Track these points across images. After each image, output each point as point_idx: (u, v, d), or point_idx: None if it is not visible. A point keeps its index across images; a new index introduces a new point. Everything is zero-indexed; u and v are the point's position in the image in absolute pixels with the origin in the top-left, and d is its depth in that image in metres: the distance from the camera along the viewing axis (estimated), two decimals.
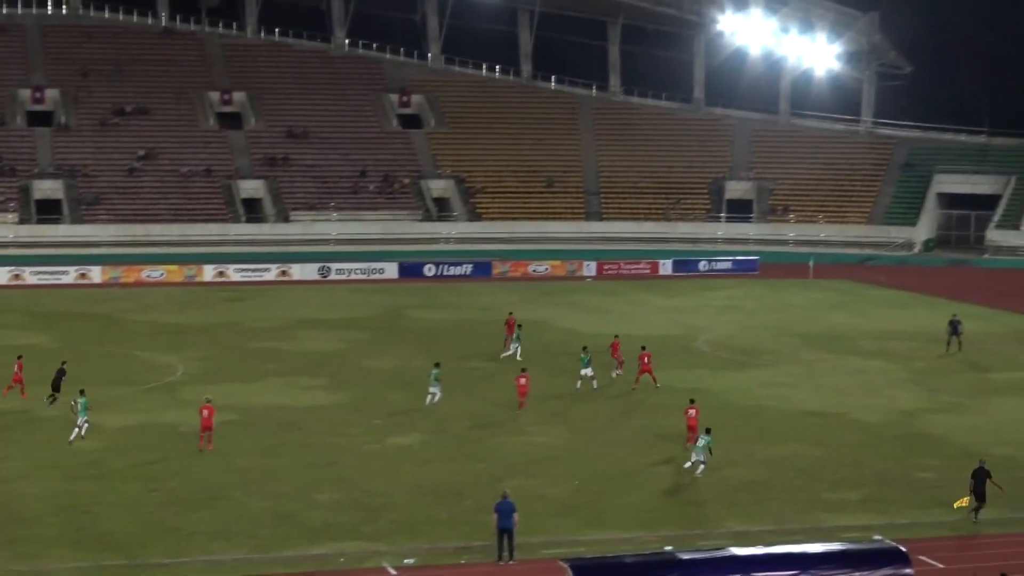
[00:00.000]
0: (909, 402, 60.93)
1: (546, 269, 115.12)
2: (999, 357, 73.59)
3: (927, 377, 67.36)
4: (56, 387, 58.00)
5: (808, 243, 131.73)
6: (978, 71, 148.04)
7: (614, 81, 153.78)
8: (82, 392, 52.89)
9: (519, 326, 72.73)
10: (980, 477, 43.23)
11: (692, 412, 52.06)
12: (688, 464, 48.70)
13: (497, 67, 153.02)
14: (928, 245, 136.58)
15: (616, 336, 68.62)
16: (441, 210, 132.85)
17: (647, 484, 46.67)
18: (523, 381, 59.15)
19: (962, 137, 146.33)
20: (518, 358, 69.30)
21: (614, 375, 65.81)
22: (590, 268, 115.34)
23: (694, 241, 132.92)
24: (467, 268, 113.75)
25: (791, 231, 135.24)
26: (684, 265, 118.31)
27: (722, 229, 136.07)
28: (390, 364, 69.66)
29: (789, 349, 75.26)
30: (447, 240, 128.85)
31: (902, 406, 59.83)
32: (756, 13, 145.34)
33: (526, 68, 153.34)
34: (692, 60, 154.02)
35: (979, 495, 43.08)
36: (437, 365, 60.36)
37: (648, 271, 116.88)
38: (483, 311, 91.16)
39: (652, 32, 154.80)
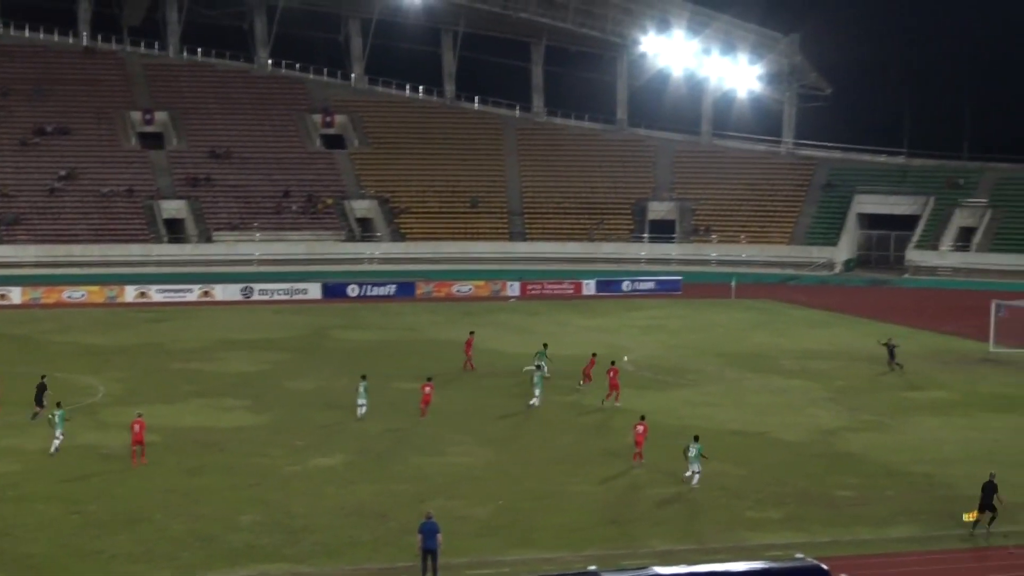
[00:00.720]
0: (830, 421, 61.30)
1: (470, 289, 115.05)
2: (919, 376, 74.19)
3: (848, 396, 67.81)
4: (39, 402, 58.32)
5: (730, 263, 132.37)
6: (898, 92, 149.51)
7: (537, 102, 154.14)
8: (59, 405, 53.68)
9: (545, 345, 72.51)
10: (988, 491, 44.00)
11: (640, 428, 52.54)
12: (687, 474, 49.32)
13: (421, 87, 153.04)
14: (849, 265, 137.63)
15: (594, 354, 70.37)
16: (365, 230, 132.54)
17: (572, 504, 46.68)
18: (427, 390, 61.06)
19: (882, 158, 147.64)
20: (547, 375, 68.66)
21: (580, 384, 68.00)
22: (514, 288, 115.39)
23: (617, 261, 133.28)
24: (391, 288, 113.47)
25: (713, 251, 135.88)
26: (607, 285, 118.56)
27: (645, 249, 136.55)
28: (313, 385, 69.34)
29: (712, 368, 75.57)
30: (371, 260, 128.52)
31: (823, 425, 60.19)
32: (678, 35, 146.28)
33: (450, 89, 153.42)
34: (615, 81, 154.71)
35: (988, 507, 43.93)
36: (364, 378, 61.40)
37: (571, 291, 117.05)
38: (407, 331, 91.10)
39: (575, 53, 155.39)
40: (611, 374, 65.01)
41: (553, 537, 42.83)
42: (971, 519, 44.16)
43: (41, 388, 59.38)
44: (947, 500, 47.43)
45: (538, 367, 67.96)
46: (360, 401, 60.56)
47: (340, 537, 42.74)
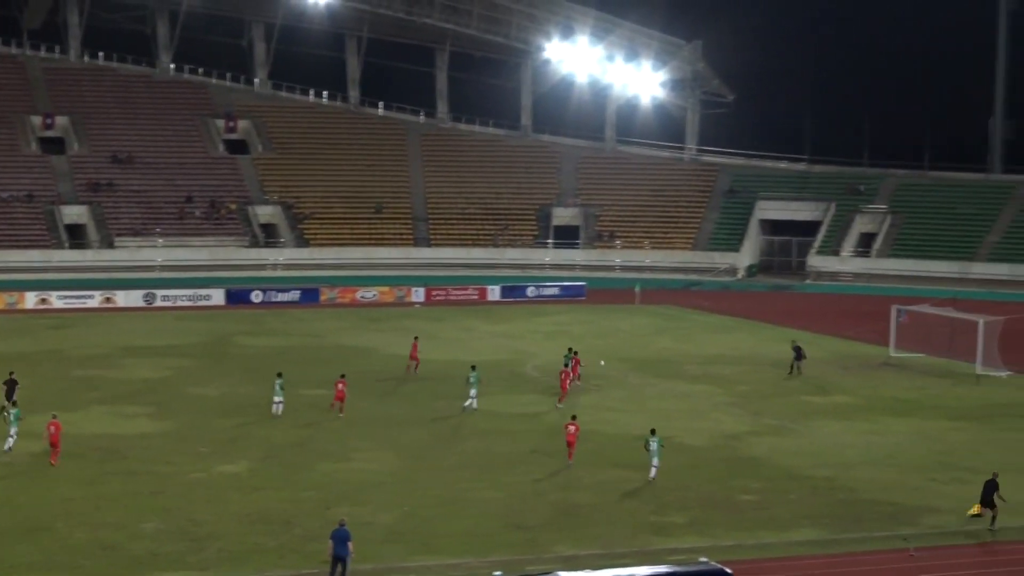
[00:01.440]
0: (733, 425, 61.73)
1: (374, 295, 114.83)
2: (820, 381, 74.88)
3: (751, 401, 68.32)
4: (10, 398, 58.34)
5: (634, 269, 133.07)
6: (799, 100, 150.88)
7: (442, 108, 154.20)
8: (15, 404, 54.24)
9: (572, 350, 73.66)
10: (989, 488, 45.05)
11: (572, 429, 53.22)
12: (653, 473, 50.52)
13: (325, 93, 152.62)
14: (751, 271, 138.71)
15: (575, 352, 72.64)
16: (268, 236, 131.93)
17: (477, 509, 46.71)
18: (340, 386, 62.44)
19: (784, 164, 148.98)
20: (578, 382, 70.66)
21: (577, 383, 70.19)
22: (418, 294, 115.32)
23: (522, 267, 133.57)
24: (295, 294, 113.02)
25: (617, 257, 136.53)
26: (512, 291, 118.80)
27: (549, 255, 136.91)
28: (217, 391, 68.94)
29: (616, 374, 75.86)
30: (274, 266, 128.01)
31: (727, 429, 60.60)
32: (582, 41, 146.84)
33: (354, 94, 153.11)
34: (519, 87, 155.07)
35: (989, 504, 45.00)
36: (280, 375, 62.87)
37: (476, 297, 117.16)
38: (311, 337, 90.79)
39: (480, 59, 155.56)
40: (564, 376, 67.24)
41: (457, 543, 42.83)
42: (974, 513, 45.31)
43: (12, 384, 60.21)
44: (848, 504, 47.93)
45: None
46: (276, 399, 62.01)
47: (245, 544, 42.49)
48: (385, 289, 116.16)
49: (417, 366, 75.07)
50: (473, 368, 66.10)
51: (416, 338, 77.86)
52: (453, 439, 57.98)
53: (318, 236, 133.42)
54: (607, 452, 54.74)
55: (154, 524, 44.42)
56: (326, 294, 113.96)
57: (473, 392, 64.39)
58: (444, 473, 51.69)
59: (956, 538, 44.30)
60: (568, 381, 68.54)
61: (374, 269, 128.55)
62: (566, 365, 71.04)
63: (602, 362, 75.75)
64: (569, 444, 53.22)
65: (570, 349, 74.27)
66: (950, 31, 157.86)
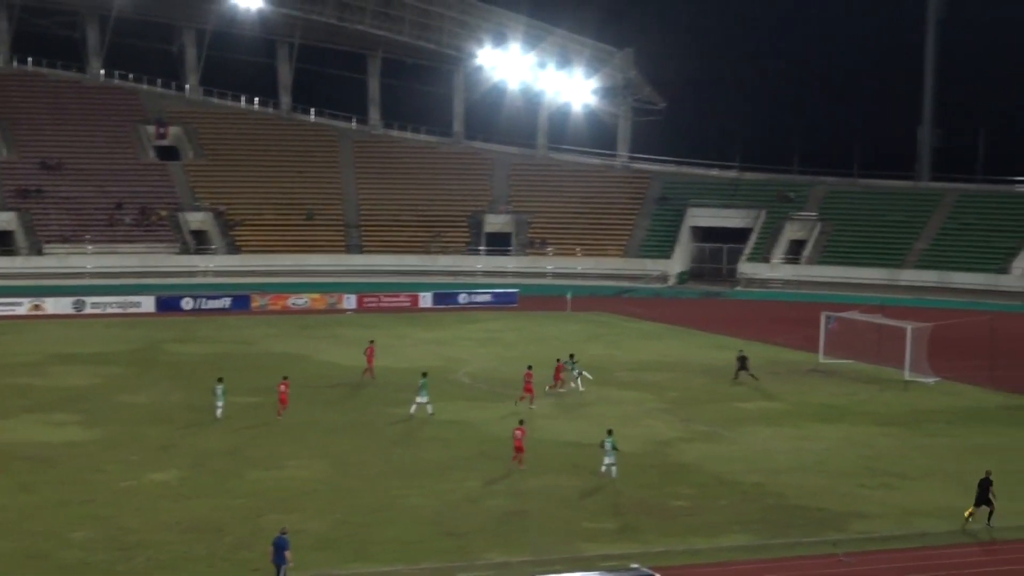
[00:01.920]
0: (665, 431, 61.96)
1: (306, 302, 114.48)
2: (750, 387, 75.29)
3: (682, 407, 68.60)
4: None
5: (566, 276, 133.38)
6: (730, 107, 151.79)
7: (374, 114, 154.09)
8: None
9: (572, 357, 75.20)
10: (984, 487, 46.01)
11: (519, 433, 53.48)
12: (603, 469, 51.69)
13: (256, 99, 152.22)
14: (682, 278, 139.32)
15: (559, 360, 73.99)
16: (199, 243, 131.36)
17: (409, 516, 46.67)
18: (282, 388, 63.20)
19: (715, 172, 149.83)
20: (581, 389, 72.07)
21: (548, 389, 71.38)
22: (351, 301, 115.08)
23: (454, 274, 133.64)
24: (226, 301, 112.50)
25: (549, 264, 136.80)
26: (444, 298, 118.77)
27: (482, 262, 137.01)
28: (147, 399, 68.54)
29: (548, 381, 75.94)
30: (205, 273, 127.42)
31: (658, 436, 60.81)
32: (514, 48, 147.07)
33: (286, 100, 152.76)
34: (452, 94, 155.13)
35: (985, 502, 45.96)
36: (220, 380, 63.21)
37: (409, 304, 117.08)
38: (242, 345, 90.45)
39: (412, 66, 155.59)
40: (527, 377, 68.32)
41: (389, 550, 42.77)
42: (968, 515, 46.08)
43: None
44: (778, 509, 48.23)
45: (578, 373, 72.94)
46: (218, 403, 62.49)
47: (175, 552, 42.27)
48: (317, 296, 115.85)
49: (369, 371, 74.99)
50: (424, 375, 65.94)
51: (372, 342, 77.86)
52: (385, 446, 57.90)
53: (249, 243, 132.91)
54: (540, 459, 54.79)
55: (83, 533, 44.11)
56: (257, 301, 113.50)
57: (422, 399, 64.08)
58: (376, 480, 51.62)
59: (885, 543, 44.63)
60: (558, 383, 71.74)
61: (306, 276, 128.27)
62: (573, 370, 73.38)
63: (584, 372, 75.33)
64: (517, 449, 53.46)
65: (572, 356, 75.41)
66: (879, 40, 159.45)
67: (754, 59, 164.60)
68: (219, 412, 62.71)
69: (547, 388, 71.56)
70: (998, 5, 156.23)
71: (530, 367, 69.37)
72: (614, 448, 51.96)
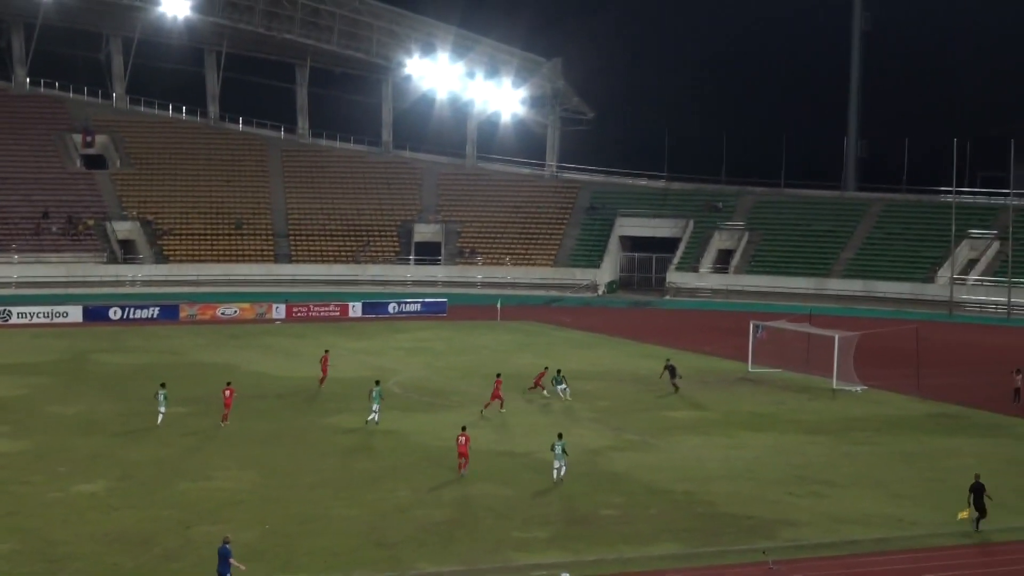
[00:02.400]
0: (594, 441, 61.94)
1: (235, 312, 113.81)
2: (680, 396, 75.47)
3: (611, 416, 68.65)
4: None
5: (495, 285, 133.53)
6: (658, 117, 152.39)
7: (302, 123, 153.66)
8: None
9: (559, 372, 75.46)
10: (977, 492, 46.69)
11: (463, 439, 54.44)
12: (554, 474, 53.01)
13: (184, 108, 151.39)
14: (611, 287, 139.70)
15: (546, 367, 76.60)
16: (127, 252, 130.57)
17: (338, 527, 46.44)
18: (227, 393, 63.56)
19: (643, 181, 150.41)
20: (567, 398, 73.26)
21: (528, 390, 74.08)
22: (279, 311, 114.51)
23: (383, 283, 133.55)
24: (154, 311, 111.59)
25: (479, 273, 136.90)
26: (373, 307, 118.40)
27: (411, 271, 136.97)
28: (74, 410, 67.88)
29: (478, 390, 75.80)
30: (133, 283, 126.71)
31: (588, 445, 60.77)
32: (443, 58, 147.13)
33: (213, 109, 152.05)
34: (380, 103, 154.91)
35: (979, 507, 46.57)
36: (163, 386, 64.04)
37: (338, 313, 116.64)
38: (171, 355, 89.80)
39: (340, 75, 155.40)
40: (497, 384, 69.24)
41: (319, 561, 42.53)
42: (964, 516, 46.79)
43: None
44: (708, 517, 48.32)
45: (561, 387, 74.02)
46: (160, 409, 63.19)
47: (102, 564, 41.85)
48: (246, 306, 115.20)
49: (323, 379, 74.97)
50: (377, 383, 66.43)
51: (327, 351, 77.80)
52: (315, 457, 57.60)
53: (177, 252, 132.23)
54: (470, 468, 54.68)
55: (9, 545, 43.60)
56: (186, 311, 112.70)
57: (376, 407, 64.41)
58: (305, 491, 51.34)
59: (814, 550, 44.81)
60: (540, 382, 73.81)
61: (234, 286, 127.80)
62: (556, 383, 74.25)
63: (563, 387, 75.30)
64: (462, 455, 54.00)
65: (559, 371, 75.52)
66: (806, 51, 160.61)
67: (681, 69, 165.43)
68: (160, 418, 62.86)
69: (527, 388, 74.56)
70: (921, 18, 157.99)
71: (499, 375, 69.64)
72: (564, 452, 52.95)
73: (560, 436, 54.06)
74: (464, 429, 55.53)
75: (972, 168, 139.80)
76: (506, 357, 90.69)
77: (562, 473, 52.97)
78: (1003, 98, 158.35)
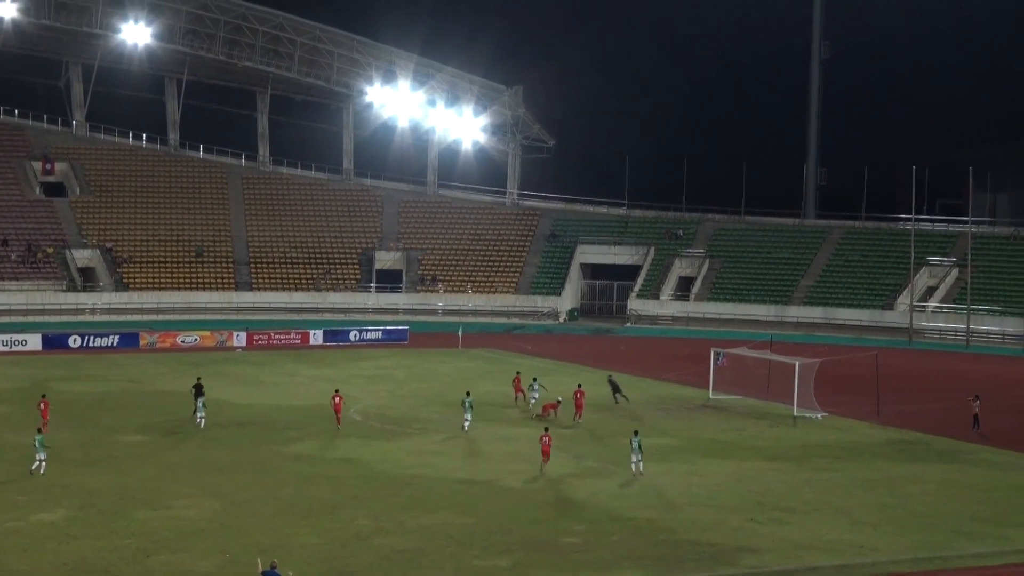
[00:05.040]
0: (556, 468, 61.85)
1: (195, 340, 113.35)
2: (641, 423, 75.47)
3: (573, 443, 68.58)
4: None
5: (457, 312, 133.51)
6: (618, 145, 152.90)
7: (263, 151, 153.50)
8: None
9: (535, 379, 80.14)
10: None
11: (546, 439, 60.62)
12: (632, 468, 59.30)
13: (144, 135, 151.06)
14: (573, 314, 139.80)
15: (518, 372, 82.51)
16: (87, 280, 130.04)
17: (299, 556, 46.22)
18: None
19: (604, 209, 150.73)
20: (531, 404, 78.54)
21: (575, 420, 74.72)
22: (240, 339, 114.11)
23: (344, 311, 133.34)
24: (114, 339, 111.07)
25: (440, 301, 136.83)
26: (335, 335, 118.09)
27: (372, 299, 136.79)
28: (33, 438, 67.37)
29: (439, 417, 75.77)
30: (93, 311, 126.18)
31: (549, 472, 60.73)
32: (404, 85, 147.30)
33: (174, 137, 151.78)
34: (341, 131, 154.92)
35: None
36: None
37: (299, 341, 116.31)
38: (130, 383, 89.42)
39: (301, 103, 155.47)
40: (579, 396, 74.80)
41: None
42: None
43: None
44: (670, 544, 48.31)
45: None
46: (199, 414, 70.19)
47: None
48: (206, 333, 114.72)
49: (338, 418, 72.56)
50: (468, 393, 73.22)
51: (337, 391, 74.57)
52: (275, 485, 57.37)
53: (137, 280, 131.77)
54: (430, 496, 54.59)
55: None
56: (146, 339, 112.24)
57: (468, 416, 71.04)
58: (266, 519, 51.13)
59: None
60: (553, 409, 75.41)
61: (195, 313, 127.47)
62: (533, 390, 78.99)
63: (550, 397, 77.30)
64: (544, 453, 60.24)
65: (535, 379, 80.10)
66: (766, 79, 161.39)
67: (642, 97, 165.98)
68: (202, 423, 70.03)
69: (514, 399, 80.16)
70: (879, 47, 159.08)
71: (579, 385, 76.47)
72: (639, 448, 59.11)
73: (636, 433, 60.39)
74: (547, 430, 61.70)
75: (931, 195, 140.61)
76: (468, 384, 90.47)
77: (640, 468, 58.77)
78: (961, 125, 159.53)
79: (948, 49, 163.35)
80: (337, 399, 72.54)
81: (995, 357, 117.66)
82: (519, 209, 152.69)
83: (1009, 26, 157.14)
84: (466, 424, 70.99)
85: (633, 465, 59.14)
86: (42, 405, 67.36)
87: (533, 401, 78.01)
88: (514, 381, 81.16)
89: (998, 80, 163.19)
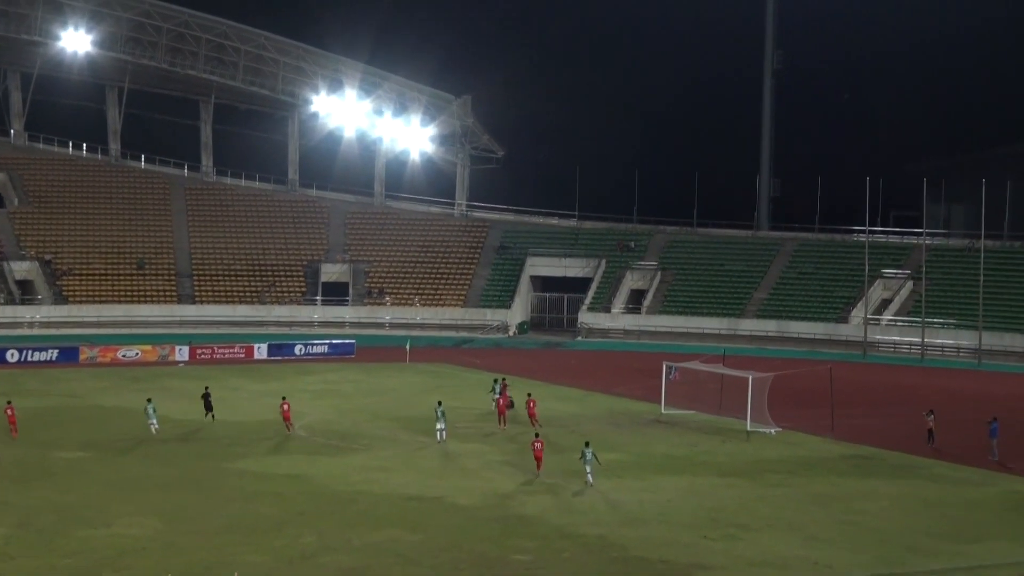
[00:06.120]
0: (505, 484, 61.86)
1: (137, 354, 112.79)
2: (591, 438, 75.40)
3: (522, 459, 68.55)
4: None
5: (404, 326, 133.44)
6: (569, 156, 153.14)
7: (207, 161, 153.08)
8: None
9: (495, 381, 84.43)
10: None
11: (539, 445, 63.26)
12: (588, 479, 60.49)
13: (84, 145, 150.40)
14: (523, 328, 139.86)
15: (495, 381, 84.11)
16: (25, 293, 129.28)
17: (243, 574, 46.05)
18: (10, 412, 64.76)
19: (554, 220, 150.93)
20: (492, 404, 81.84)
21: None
22: (183, 353, 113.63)
23: (289, 324, 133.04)
24: (53, 353, 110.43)
25: (387, 314, 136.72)
26: (279, 349, 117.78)
27: (318, 312, 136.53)
28: None
29: (386, 433, 75.68)
30: (31, 324, 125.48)
31: (498, 488, 60.71)
32: (350, 95, 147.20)
33: (115, 147, 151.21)
34: (287, 141, 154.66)
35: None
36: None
37: (243, 355, 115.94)
38: (70, 398, 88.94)
39: (245, 112, 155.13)
40: (530, 404, 77.61)
41: None
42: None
43: None
44: (621, 561, 48.35)
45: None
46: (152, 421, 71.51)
47: None
48: (148, 348, 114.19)
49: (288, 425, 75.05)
50: (439, 403, 74.13)
51: (284, 399, 77.22)
52: (219, 502, 57.13)
53: (77, 293, 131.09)
54: (378, 513, 54.49)
55: None
56: (86, 353, 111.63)
57: (441, 425, 72.24)
58: (209, 537, 50.89)
59: None
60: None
61: (136, 327, 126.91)
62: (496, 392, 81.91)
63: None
64: (537, 459, 62.97)
65: (496, 380, 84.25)
66: (718, 89, 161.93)
67: (593, 108, 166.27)
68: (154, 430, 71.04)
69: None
70: (833, 57, 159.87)
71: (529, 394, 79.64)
72: (595, 458, 60.54)
73: (587, 444, 61.32)
74: (537, 436, 64.56)
75: (885, 207, 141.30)
76: (415, 399, 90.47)
77: (591, 480, 60.18)
78: (916, 136, 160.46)
79: (903, 58, 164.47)
80: (285, 406, 74.65)
81: (950, 371, 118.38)
82: (468, 220, 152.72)
83: (965, 36, 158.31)
84: (440, 434, 72.04)
85: (589, 476, 60.27)
86: (8, 412, 68.89)
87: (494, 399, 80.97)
88: (500, 399, 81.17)
89: (954, 90, 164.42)
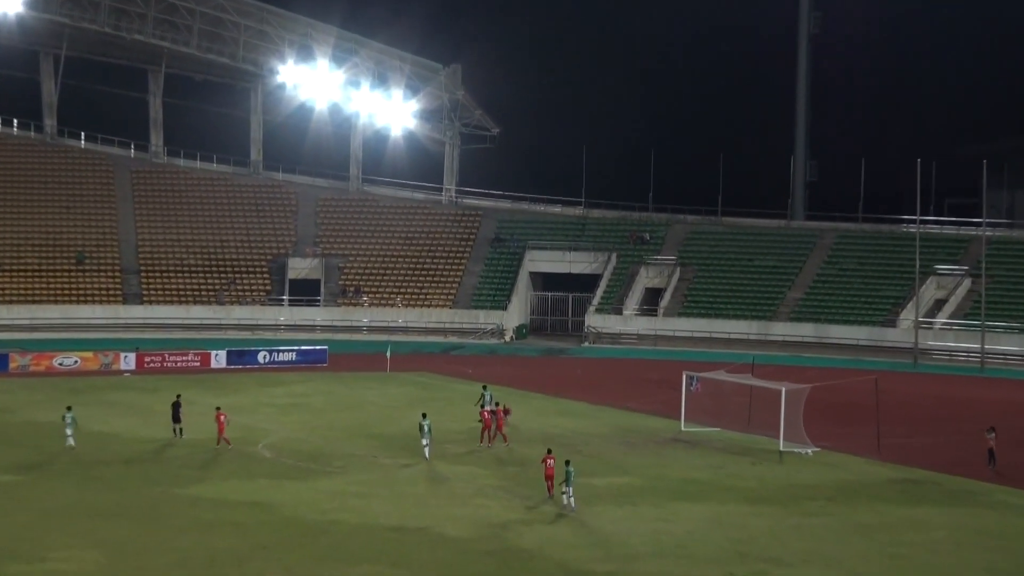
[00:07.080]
0: (501, 513, 61.80)
1: (75, 362, 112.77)
2: (600, 460, 75.48)
3: (521, 484, 68.50)
4: None
5: (385, 330, 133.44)
6: (575, 135, 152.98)
7: (156, 140, 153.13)
8: None
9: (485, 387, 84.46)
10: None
11: (550, 462, 63.41)
12: (564, 502, 60.84)
13: (15, 121, 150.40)
14: (521, 332, 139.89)
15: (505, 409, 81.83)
16: None
17: None
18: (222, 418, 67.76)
19: (557, 209, 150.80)
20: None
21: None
22: (129, 361, 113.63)
23: (252, 328, 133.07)
24: None
25: (365, 316, 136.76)
26: (240, 356, 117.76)
27: (285, 314, 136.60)
28: None
29: (364, 453, 75.65)
30: None
31: (493, 517, 60.64)
32: (322, 64, 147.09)
33: (50, 123, 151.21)
34: (248, 117, 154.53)
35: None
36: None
37: (198, 364, 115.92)
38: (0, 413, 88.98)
39: (201, 83, 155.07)
40: (501, 412, 79.22)
41: None
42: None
43: None
44: None
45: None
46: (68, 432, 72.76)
47: None
48: (88, 355, 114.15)
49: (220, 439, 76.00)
50: (424, 416, 74.40)
51: (218, 408, 78.25)
52: (170, 533, 57.04)
53: (7, 292, 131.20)
54: (354, 545, 54.45)
55: None
56: (17, 361, 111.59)
57: (426, 441, 73.25)
58: (159, 573, 50.86)
59: None
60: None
61: (75, 331, 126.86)
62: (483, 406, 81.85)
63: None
64: (548, 478, 63.19)
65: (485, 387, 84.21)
66: (746, 58, 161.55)
67: (603, 79, 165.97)
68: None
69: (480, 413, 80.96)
70: (878, 19, 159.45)
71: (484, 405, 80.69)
72: (570, 479, 60.77)
73: (568, 463, 61.37)
74: (549, 452, 64.32)
75: (939, 194, 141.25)
76: (397, 415, 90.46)
77: (572, 504, 60.75)
78: (974, 113, 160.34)
79: (959, 23, 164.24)
80: (221, 417, 76.04)
81: (1013, 382, 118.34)
82: (458, 209, 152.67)
83: None
84: (426, 451, 73.21)
85: (564, 498, 60.91)
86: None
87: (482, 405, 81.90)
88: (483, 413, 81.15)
89: (1019, 60, 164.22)
